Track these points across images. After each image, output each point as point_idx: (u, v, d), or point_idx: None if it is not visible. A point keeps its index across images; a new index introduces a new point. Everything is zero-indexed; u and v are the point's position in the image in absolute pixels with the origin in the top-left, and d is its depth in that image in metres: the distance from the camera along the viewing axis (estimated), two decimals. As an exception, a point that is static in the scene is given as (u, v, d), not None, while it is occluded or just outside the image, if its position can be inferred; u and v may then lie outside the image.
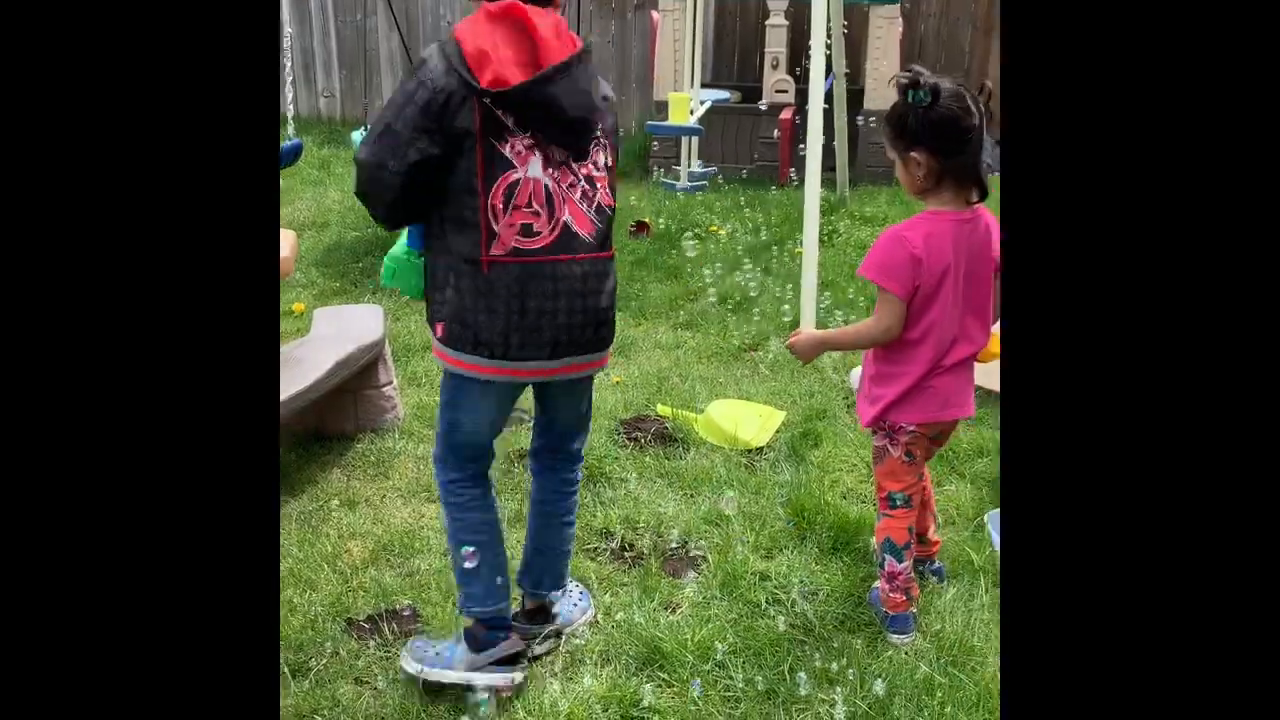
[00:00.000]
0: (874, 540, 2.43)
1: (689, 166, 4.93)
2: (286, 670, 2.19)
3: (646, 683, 2.16)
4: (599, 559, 2.63)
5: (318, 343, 3.12)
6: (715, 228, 5.47)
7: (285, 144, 5.08)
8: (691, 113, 4.56)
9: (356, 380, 3.19)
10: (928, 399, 2.22)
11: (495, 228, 1.93)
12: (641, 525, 2.75)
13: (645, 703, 2.09)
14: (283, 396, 2.76)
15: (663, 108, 6.32)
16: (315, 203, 6.08)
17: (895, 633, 2.28)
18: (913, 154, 2.12)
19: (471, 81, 1.87)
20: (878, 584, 2.37)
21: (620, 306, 4.40)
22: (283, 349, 3.10)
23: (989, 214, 2.21)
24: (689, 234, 5.17)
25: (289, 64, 5.14)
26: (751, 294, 4.46)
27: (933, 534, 2.52)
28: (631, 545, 2.69)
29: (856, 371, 2.27)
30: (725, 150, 6.65)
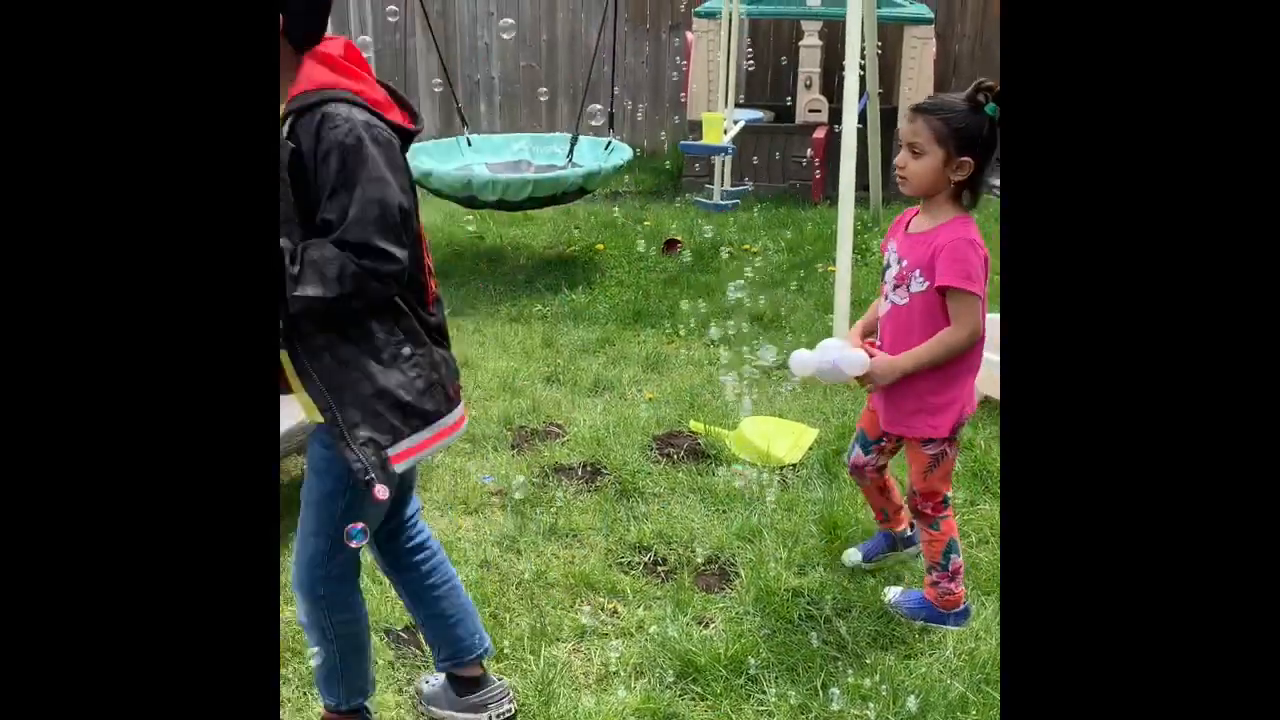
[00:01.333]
0: (924, 552, 2.44)
1: (722, 185, 4.98)
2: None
3: (680, 696, 2.18)
4: (632, 573, 2.66)
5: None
6: (748, 246, 5.50)
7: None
8: (725, 132, 4.61)
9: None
10: (972, 394, 2.31)
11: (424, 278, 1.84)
12: (674, 540, 2.78)
13: (679, 716, 2.11)
14: (305, 419, 2.83)
15: (696, 128, 6.39)
16: (354, 220, 6.19)
17: (958, 624, 2.39)
18: (965, 158, 2.16)
19: (396, 125, 1.72)
20: (922, 591, 2.42)
21: (652, 323, 4.48)
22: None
23: None
24: (726, 249, 5.21)
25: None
26: (784, 312, 4.48)
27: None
28: (664, 560, 2.71)
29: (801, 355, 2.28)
30: (758, 169, 6.69)
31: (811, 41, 6.63)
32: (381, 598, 2.52)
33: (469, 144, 5.63)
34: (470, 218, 5.53)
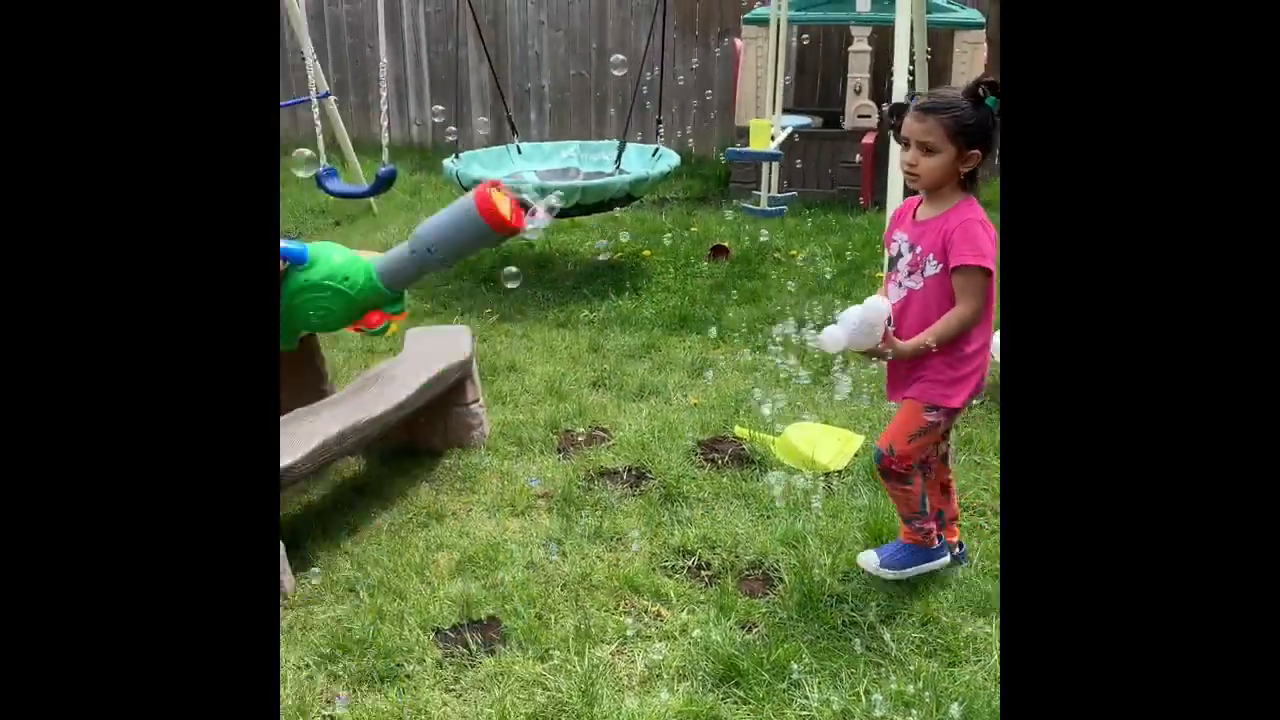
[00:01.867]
0: (899, 507, 2.55)
1: (769, 191, 4.98)
2: (378, 673, 2.30)
3: (723, 699, 2.19)
4: (676, 577, 2.67)
5: (409, 361, 3.25)
6: (794, 252, 5.49)
7: (381, 170, 5.29)
8: (773, 138, 4.61)
9: (446, 398, 3.30)
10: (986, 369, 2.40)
11: None
12: (718, 545, 2.79)
13: (721, 718, 2.13)
14: (377, 412, 2.89)
15: (744, 134, 6.39)
16: (407, 227, 6.29)
17: (943, 558, 2.57)
18: (974, 151, 2.25)
19: None
20: (899, 540, 2.57)
21: (698, 329, 4.49)
22: (376, 367, 3.24)
23: None
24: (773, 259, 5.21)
25: (384, 93, 5.36)
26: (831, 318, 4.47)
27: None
28: (708, 564, 2.73)
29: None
30: (806, 175, 6.67)
31: (861, 47, 6.60)
32: (430, 597, 2.57)
33: (519, 151, 5.70)
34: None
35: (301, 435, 2.71)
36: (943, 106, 2.24)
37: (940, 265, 2.29)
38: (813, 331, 2.40)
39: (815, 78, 7.76)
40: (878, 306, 2.19)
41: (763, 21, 6.44)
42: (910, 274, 2.35)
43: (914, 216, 2.39)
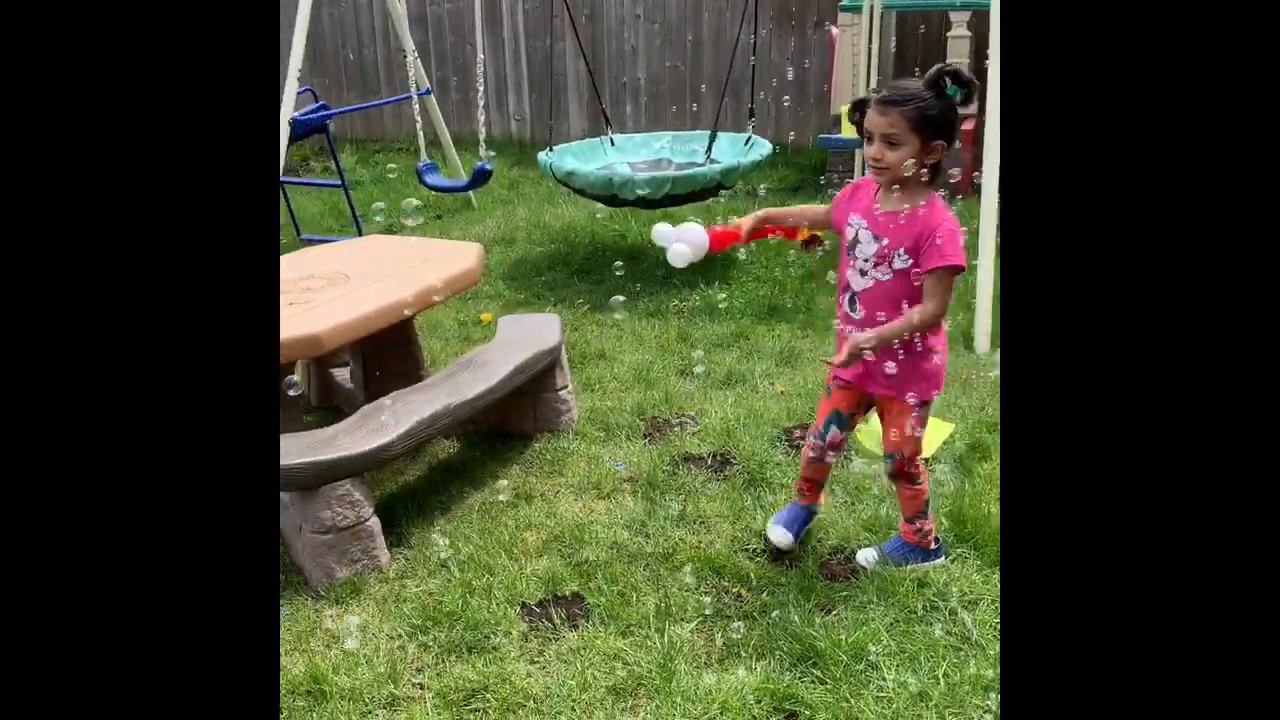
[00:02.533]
0: (906, 506, 2.61)
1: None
2: (466, 644, 2.39)
3: (800, 679, 2.21)
4: (758, 560, 2.70)
5: (501, 347, 3.34)
6: (890, 241, 5.42)
7: (478, 164, 5.43)
8: (865, 126, 4.57)
9: (535, 384, 3.39)
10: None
11: None
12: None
13: (798, 697, 2.15)
14: (468, 395, 3.00)
15: (839, 121, 6.33)
16: (504, 220, 6.45)
17: (940, 559, 2.61)
18: (938, 142, 2.23)
19: None
20: (900, 537, 2.64)
21: (787, 318, 4.49)
22: (470, 353, 3.35)
23: None
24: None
25: (482, 88, 5.49)
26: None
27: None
28: (789, 549, 2.74)
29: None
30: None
31: (960, 32, 6.46)
32: (518, 573, 2.66)
33: (612, 144, 5.77)
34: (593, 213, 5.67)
35: (397, 416, 2.82)
36: (904, 99, 2.21)
37: (910, 261, 2.27)
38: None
39: (914, 64, 7.62)
40: (682, 231, 2.51)
41: (859, 8, 6.37)
42: (877, 265, 2.33)
43: (876, 205, 2.35)
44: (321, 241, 5.95)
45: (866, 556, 2.63)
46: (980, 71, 6.65)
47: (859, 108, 2.33)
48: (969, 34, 6.49)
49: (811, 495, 2.75)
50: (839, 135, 4.50)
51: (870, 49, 4.82)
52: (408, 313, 3.06)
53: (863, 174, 5.22)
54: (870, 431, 3.28)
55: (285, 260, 3.53)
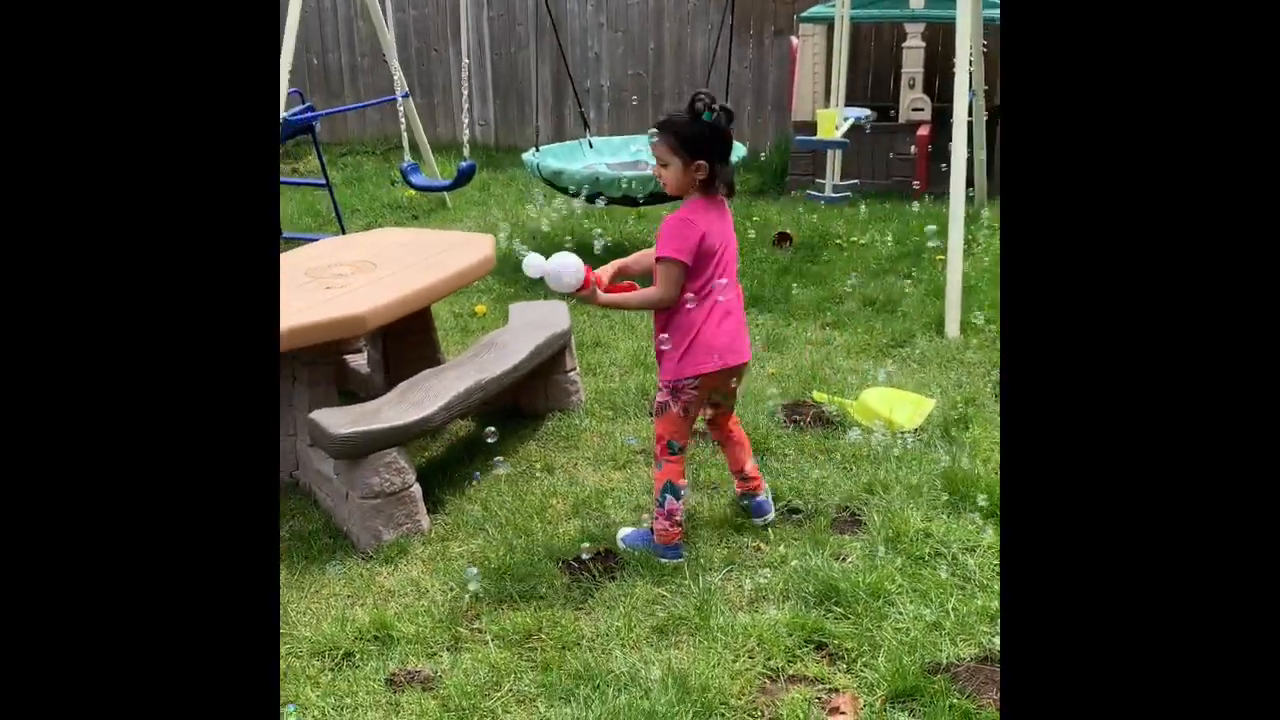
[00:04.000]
0: (655, 485, 2.76)
1: (833, 179, 5.24)
2: (515, 594, 2.60)
3: (825, 615, 2.47)
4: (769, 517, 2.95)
5: (516, 331, 3.55)
6: (856, 238, 5.75)
7: (462, 164, 5.62)
8: (836, 128, 4.88)
9: (547, 366, 3.60)
10: (705, 353, 2.62)
11: None
12: (806, 493, 3.07)
13: (825, 629, 2.40)
14: (497, 372, 3.20)
15: (801, 128, 6.66)
16: (480, 219, 6.63)
17: (671, 558, 2.72)
18: (700, 161, 2.54)
19: None
20: (647, 525, 2.79)
21: (769, 308, 4.77)
22: (488, 336, 3.55)
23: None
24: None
25: (466, 91, 5.69)
26: (895, 296, 4.73)
27: (749, 469, 2.90)
28: (799, 509, 3.00)
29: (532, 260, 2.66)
30: (862, 166, 6.91)
31: (915, 43, 6.84)
32: (554, 532, 2.87)
33: (590, 146, 6.01)
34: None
35: (434, 391, 3.02)
36: (663, 125, 2.56)
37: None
38: (522, 250, 2.75)
39: (867, 73, 8.00)
40: (566, 262, 2.57)
41: (820, 19, 6.71)
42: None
43: None
44: (302, 239, 6.07)
45: (623, 533, 2.84)
46: (937, 80, 7.06)
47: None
48: (923, 44, 6.87)
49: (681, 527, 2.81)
50: (815, 138, 4.80)
51: (840, 59, 5.14)
52: (441, 295, 3.25)
53: (834, 174, 5.54)
54: (860, 407, 3.57)
55: (309, 250, 3.69)
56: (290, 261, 3.53)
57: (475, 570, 2.66)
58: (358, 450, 2.78)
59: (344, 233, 6.05)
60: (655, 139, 2.59)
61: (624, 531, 2.86)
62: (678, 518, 2.73)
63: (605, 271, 2.72)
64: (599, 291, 2.63)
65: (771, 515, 2.92)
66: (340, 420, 2.82)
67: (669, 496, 2.71)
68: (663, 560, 2.72)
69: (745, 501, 2.94)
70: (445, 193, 6.59)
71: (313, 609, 2.60)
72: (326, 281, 3.21)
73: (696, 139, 2.53)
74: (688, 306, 2.60)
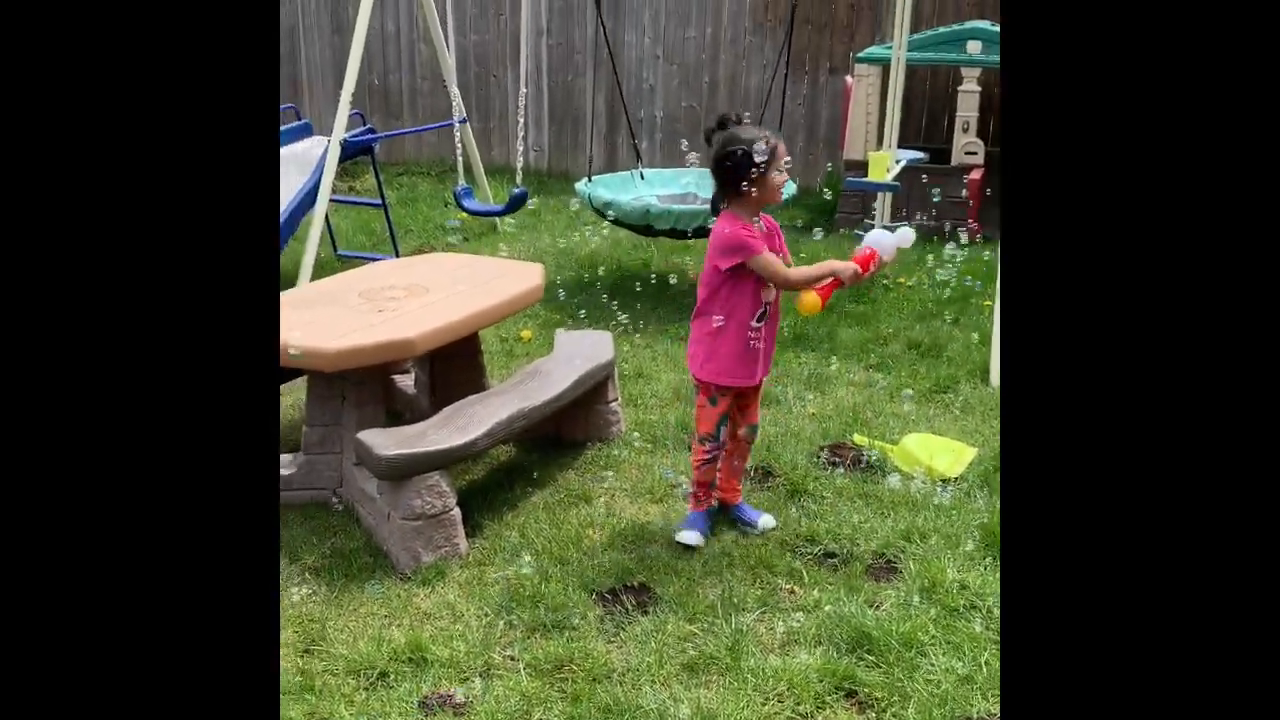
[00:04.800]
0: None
1: (882, 220, 5.24)
2: (548, 624, 2.62)
3: (856, 662, 2.46)
4: (804, 560, 2.95)
5: (560, 360, 3.60)
6: (903, 280, 5.74)
7: (515, 190, 5.72)
8: (888, 170, 4.90)
9: (589, 395, 3.64)
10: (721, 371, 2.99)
11: None
12: (842, 536, 3.06)
13: (856, 678, 2.40)
14: (539, 401, 3.25)
15: (853, 167, 6.68)
16: (530, 245, 6.72)
17: (688, 537, 3.01)
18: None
19: None
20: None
21: (812, 346, 4.77)
22: (532, 364, 3.60)
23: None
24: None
25: (522, 119, 5.79)
26: (941, 341, 4.71)
27: (720, 482, 3.17)
28: (834, 553, 3.00)
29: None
30: (911, 206, 6.90)
31: (970, 87, 6.83)
32: (589, 562, 2.90)
33: (642, 177, 6.08)
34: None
35: (478, 417, 3.07)
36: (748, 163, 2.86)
37: None
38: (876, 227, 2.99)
39: (921, 114, 8.00)
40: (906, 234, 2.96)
41: (875, 60, 6.74)
42: None
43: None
44: (358, 258, 6.19)
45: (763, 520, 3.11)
46: (990, 124, 7.04)
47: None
48: (978, 89, 6.86)
49: (709, 499, 3.13)
50: (865, 179, 4.81)
51: (895, 101, 5.16)
52: (490, 322, 3.31)
53: (884, 215, 5.55)
54: (901, 453, 3.56)
55: (364, 272, 3.78)
56: (345, 282, 3.61)
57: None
58: (401, 472, 2.83)
59: (397, 253, 6.17)
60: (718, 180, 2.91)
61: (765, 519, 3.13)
62: (698, 478, 3.08)
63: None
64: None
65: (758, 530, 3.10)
66: (386, 442, 2.87)
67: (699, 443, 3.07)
68: (678, 536, 3.01)
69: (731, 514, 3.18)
70: (497, 217, 6.69)
71: (350, 627, 2.64)
72: (379, 304, 3.28)
73: (738, 172, 2.85)
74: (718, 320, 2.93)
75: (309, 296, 3.43)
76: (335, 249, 6.35)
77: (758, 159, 2.81)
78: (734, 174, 2.86)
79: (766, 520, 3.12)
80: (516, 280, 3.60)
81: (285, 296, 3.50)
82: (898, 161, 5.25)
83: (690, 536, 3.00)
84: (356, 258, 6.25)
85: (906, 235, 3.00)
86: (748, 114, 2.97)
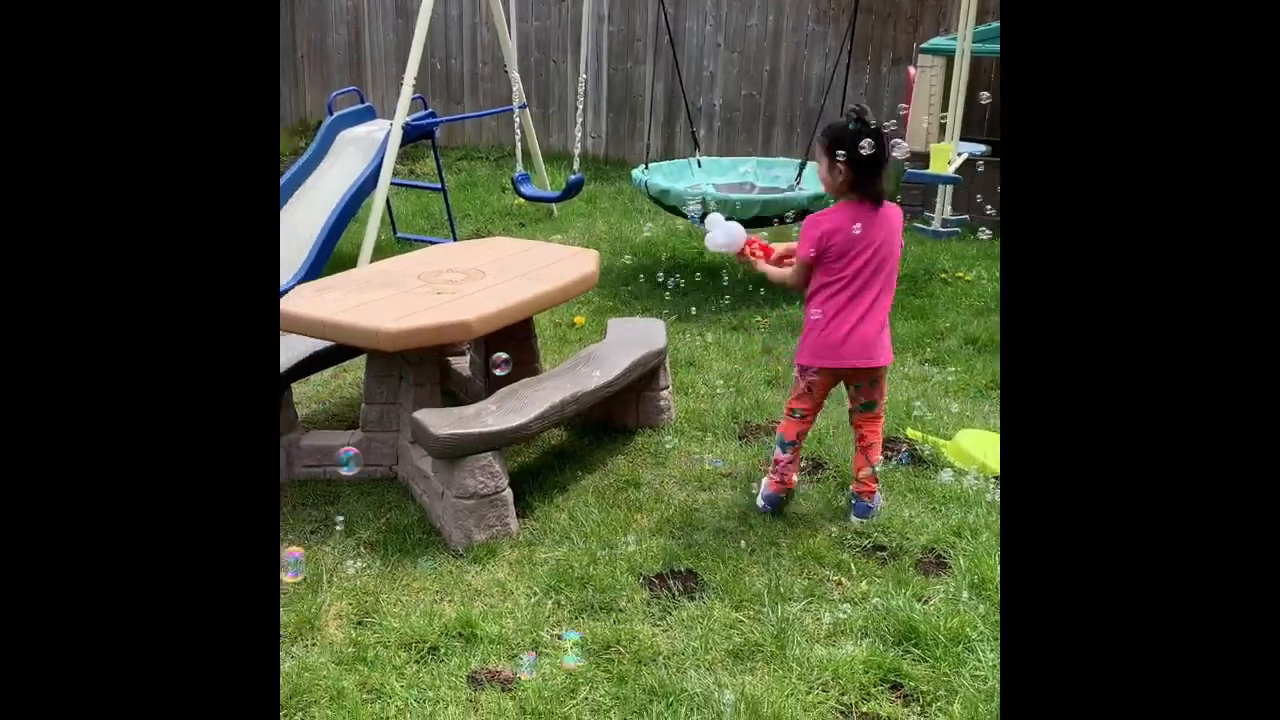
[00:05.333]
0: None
1: (943, 213, 5.18)
2: (596, 605, 2.66)
3: (902, 656, 2.46)
4: (852, 552, 2.94)
5: (613, 346, 3.62)
6: (962, 274, 5.66)
7: (572, 177, 5.75)
8: (950, 163, 4.83)
9: (641, 382, 3.66)
10: (818, 349, 3.02)
11: None
12: (892, 530, 3.05)
13: (902, 670, 2.39)
14: (588, 388, 3.28)
15: (914, 159, 6.60)
16: (585, 232, 6.75)
17: (761, 508, 3.15)
18: (837, 161, 2.89)
19: None
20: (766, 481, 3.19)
21: (870, 340, 4.72)
22: (585, 350, 3.63)
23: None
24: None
25: (581, 106, 5.82)
26: (999, 337, 4.65)
27: (863, 475, 3.13)
28: (884, 546, 2.99)
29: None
30: (972, 200, 6.80)
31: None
32: (638, 547, 2.93)
33: (699, 165, 6.07)
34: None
35: (531, 400, 3.11)
36: (824, 129, 2.98)
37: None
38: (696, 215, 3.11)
39: (985, 107, 7.87)
40: (730, 229, 3.12)
41: (939, 51, 6.64)
42: None
43: None
44: (416, 240, 6.28)
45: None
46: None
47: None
48: (1044, 82, 6.74)
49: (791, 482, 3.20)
50: (926, 172, 4.76)
51: (958, 92, 5.08)
52: (545, 307, 3.35)
53: (944, 208, 5.48)
54: (954, 448, 3.53)
55: (424, 255, 3.84)
56: (405, 265, 3.67)
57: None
58: (455, 451, 2.88)
59: (455, 237, 6.25)
60: (817, 139, 3.01)
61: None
62: (780, 468, 3.11)
63: (779, 248, 3.19)
64: (758, 258, 3.16)
65: (859, 520, 3.09)
66: (441, 421, 2.92)
67: (777, 447, 3.13)
68: (759, 506, 3.14)
69: (852, 500, 3.14)
70: (554, 203, 6.73)
71: (403, 601, 2.70)
72: (438, 287, 3.34)
73: (837, 140, 2.87)
74: (812, 311, 2.99)
75: (369, 277, 3.50)
76: (395, 231, 6.45)
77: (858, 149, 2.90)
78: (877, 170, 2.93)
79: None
80: (572, 267, 3.63)
81: (346, 277, 3.58)
82: (960, 154, 5.18)
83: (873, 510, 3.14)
84: (415, 240, 6.34)
85: (716, 235, 3.15)
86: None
